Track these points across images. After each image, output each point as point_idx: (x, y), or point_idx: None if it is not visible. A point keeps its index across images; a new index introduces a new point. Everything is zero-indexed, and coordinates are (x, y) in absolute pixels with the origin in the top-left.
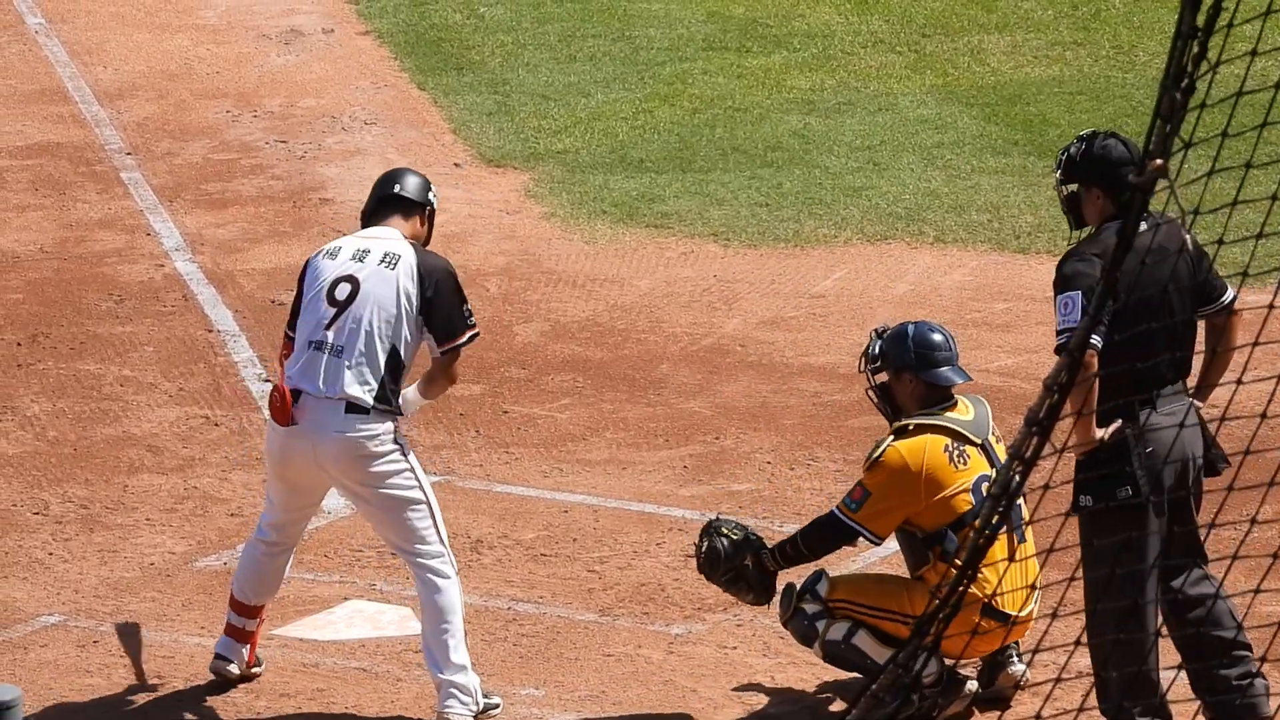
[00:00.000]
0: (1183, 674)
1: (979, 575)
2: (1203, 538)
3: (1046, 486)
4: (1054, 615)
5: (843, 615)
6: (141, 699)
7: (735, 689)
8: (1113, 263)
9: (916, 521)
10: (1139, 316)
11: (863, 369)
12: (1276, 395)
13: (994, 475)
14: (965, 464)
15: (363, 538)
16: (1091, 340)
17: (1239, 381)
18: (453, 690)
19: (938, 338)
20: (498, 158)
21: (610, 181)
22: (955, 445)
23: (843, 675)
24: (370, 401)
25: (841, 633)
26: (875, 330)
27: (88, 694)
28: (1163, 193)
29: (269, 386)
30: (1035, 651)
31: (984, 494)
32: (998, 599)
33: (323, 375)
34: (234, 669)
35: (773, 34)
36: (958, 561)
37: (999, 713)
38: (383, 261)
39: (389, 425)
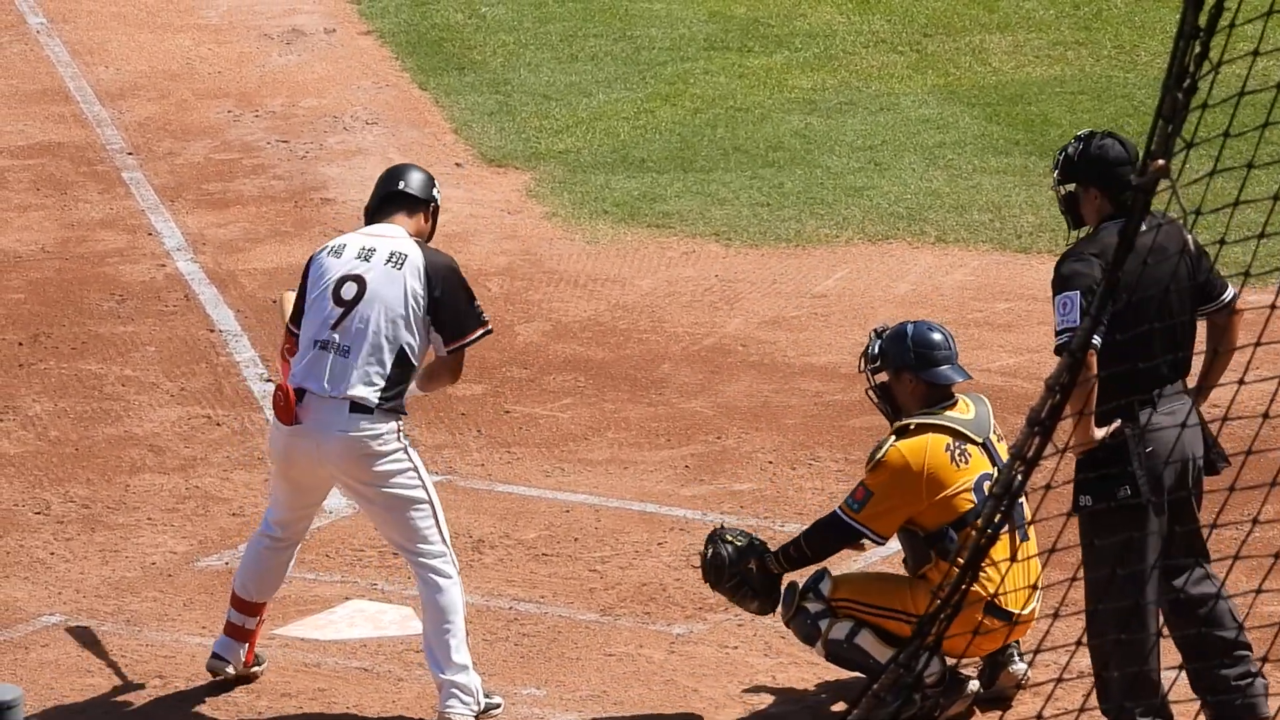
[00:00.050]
0: (1183, 674)
1: (982, 574)
2: (1205, 537)
3: (1048, 486)
4: (1055, 615)
5: (846, 614)
6: (143, 699)
7: (737, 689)
8: (1114, 263)
9: (918, 521)
10: (1139, 317)
11: (862, 369)
12: (1278, 396)
13: (995, 474)
14: (967, 463)
15: (364, 537)
16: (1092, 341)
17: (1241, 381)
18: (454, 690)
19: (937, 337)
20: (499, 157)
21: (612, 181)
22: (956, 444)
23: (844, 675)
24: (375, 401)
25: (844, 632)
26: (874, 330)
27: (89, 694)
28: (1165, 193)
29: (271, 386)
30: (1037, 651)
31: (986, 493)
32: (1001, 597)
33: (328, 375)
34: (231, 669)
35: (774, 34)
36: (960, 560)
37: (1000, 713)
38: (389, 261)
39: (393, 424)
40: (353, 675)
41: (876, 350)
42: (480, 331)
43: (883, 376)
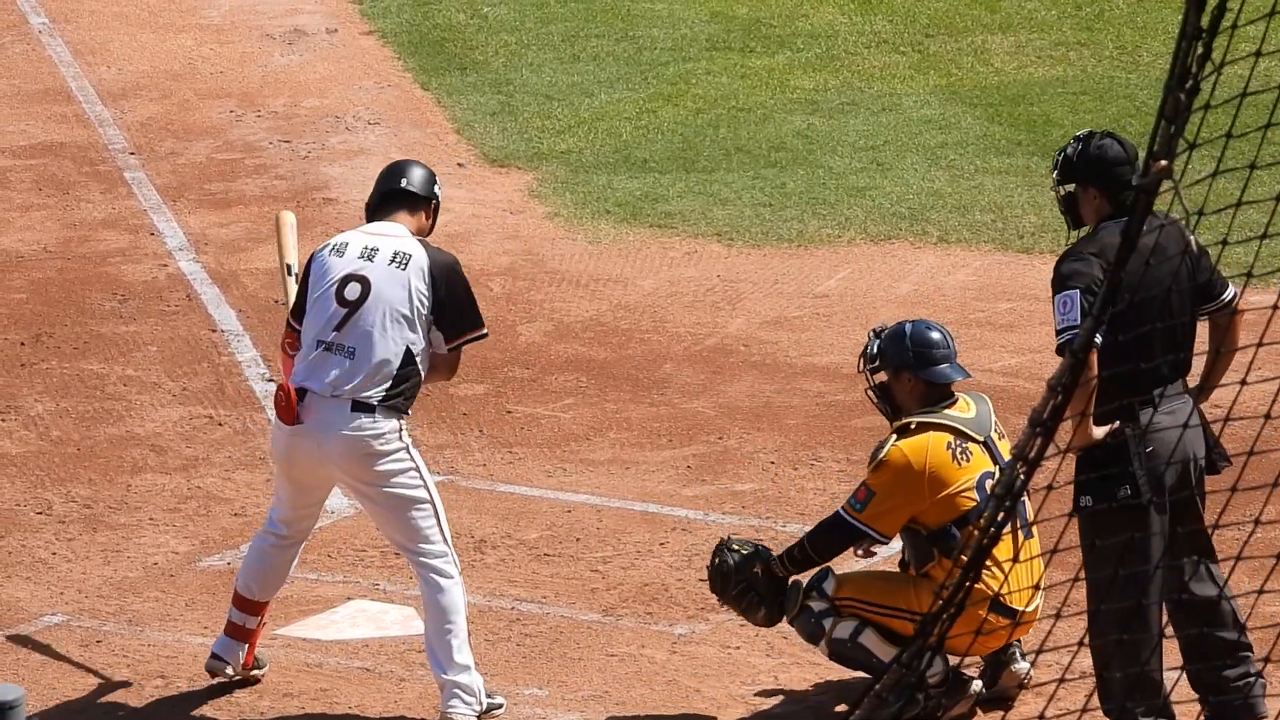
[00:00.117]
0: (1183, 673)
1: (986, 571)
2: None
3: (1050, 487)
4: (1058, 615)
5: (849, 613)
6: (145, 699)
7: (739, 689)
8: (1116, 263)
9: (921, 519)
10: (1141, 317)
11: (861, 369)
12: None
13: (997, 472)
14: (968, 461)
15: (366, 538)
16: (1094, 340)
17: (1243, 382)
18: (456, 690)
19: (935, 336)
20: (501, 158)
21: (614, 181)
22: (958, 442)
23: (846, 675)
24: (377, 400)
25: (848, 631)
26: (873, 330)
27: (91, 694)
28: (1167, 194)
29: (273, 386)
30: (1039, 651)
31: (988, 491)
32: (1005, 595)
33: (331, 375)
34: (230, 670)
35: (776, 34)
36: (963, 559)
37: (1003, 713)
38: (393, 261)
39: (395, 424)
40: (355, 675)
41: (875, 350)
42: (480, 331)
43: (882, 376)
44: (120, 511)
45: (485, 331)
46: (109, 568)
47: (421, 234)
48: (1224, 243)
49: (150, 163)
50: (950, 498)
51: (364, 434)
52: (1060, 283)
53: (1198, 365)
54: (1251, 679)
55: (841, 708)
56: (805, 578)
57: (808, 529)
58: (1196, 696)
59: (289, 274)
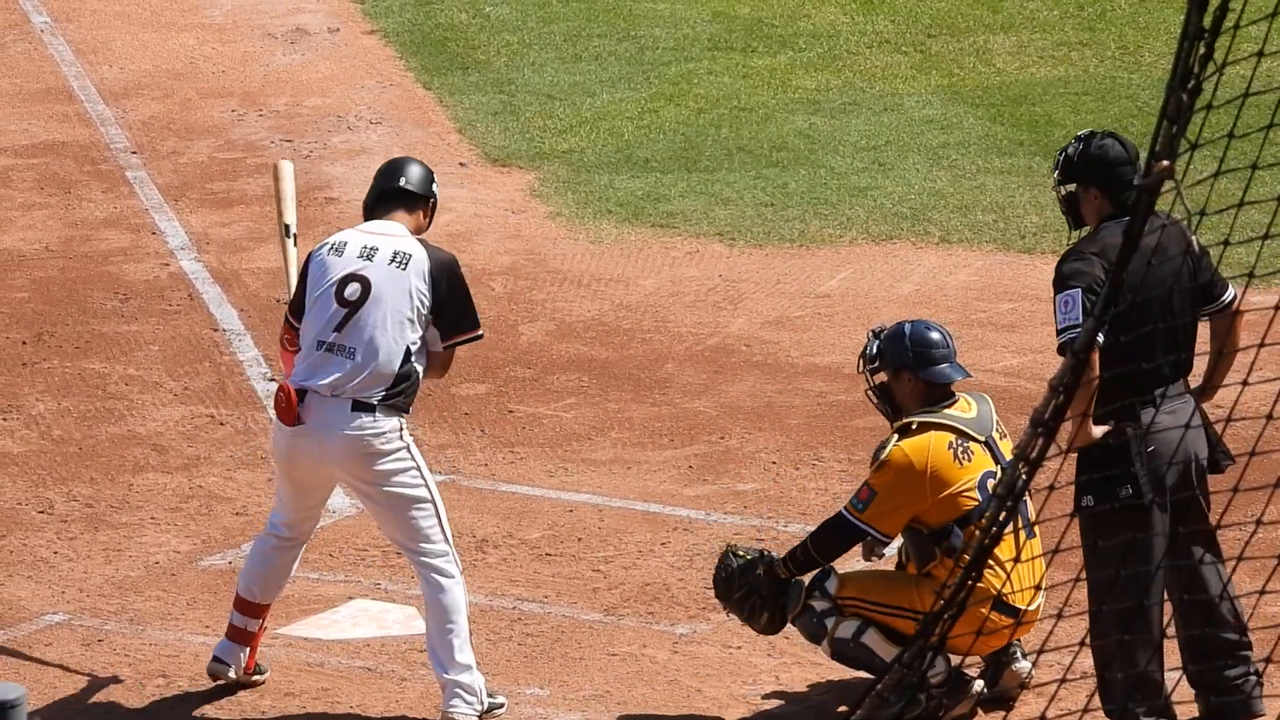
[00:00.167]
0: (1184, 673)
1: (989, 570)
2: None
3: (1051, 487)
4: (1059, 616)
5: (852, 613)
6: (146, 698)
7: (740, 689)
8: (1118, 263)
9: (923, 518)
10: (1143, 317)
11: (861, 370)
12: None
13: (999, 472)
14: (970, 460)
15: (368, 537)
16: (1095, 340)
17: (1245, 383)
18: (457, 690)
19: (935, 336)
20: (503, 157)
21: (615, 181)
22: (959, 442)
23: (847, 675)
24: (377, 399)
25: (850, 631)
26: (872, 330)
27: (92, 693)
28: (1169, 194)
29: (274, 385)
30: (1040, 652)
31: (989, 490)
32: (1008, 595)
33: (332, 376)
34: (231, 672)
35: (778, 34)
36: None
37: (1004, 713)
38: (393, 261)
39: (395, 422)
40: (356, 675)
41: (875, 351)
42: (476, 333)
43: (882, 377)
44: (122, 510)
45: (481, 333)
46: (110, 567)
47: (419, 232)
48: (1226, 243)
49: (152, 162)
50: (952, 497)
51: (365, 433)
52: (1062, 282)
53: (1200, 365)
54: (1251, 678)
55: (843, 708)
56: (808, 577)
57: (810, 529)
58: (1196, 696)
59: (288, 235)
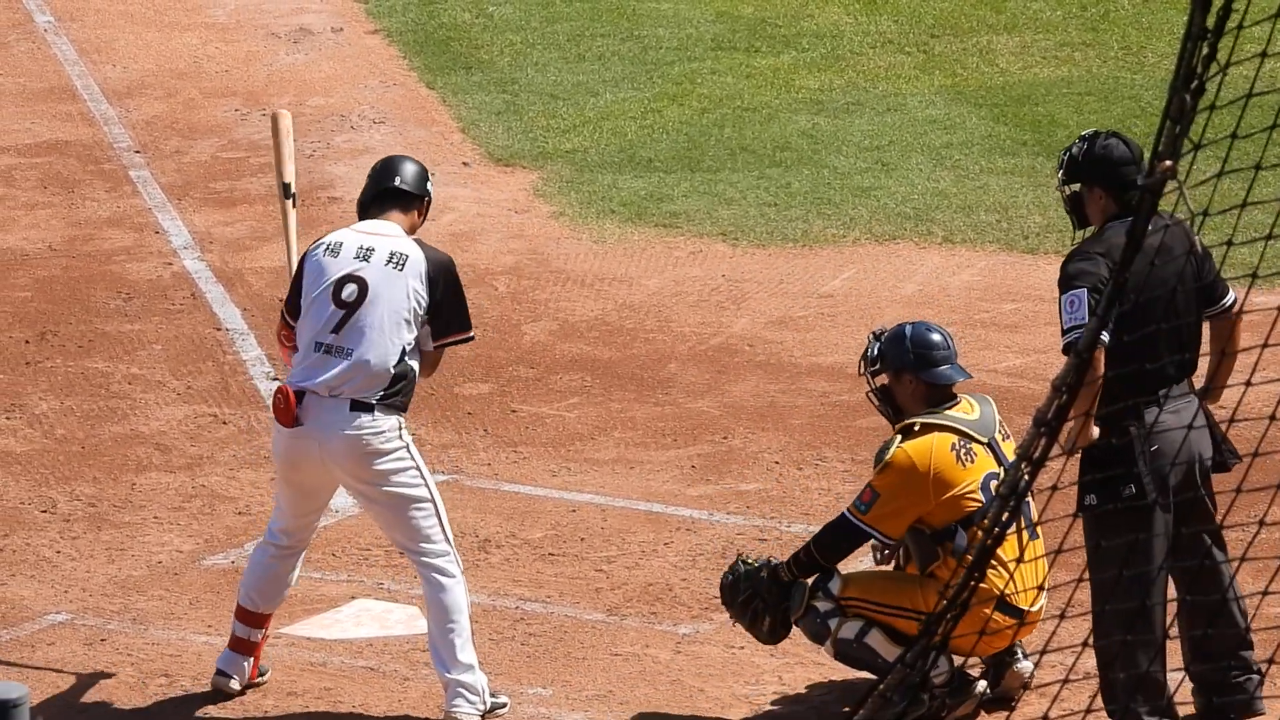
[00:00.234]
0: (1186, 673)
1: (992, 570)
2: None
3: (1054, 488)
4: (1061, 616)
5: (855, 613)
6: (148, 697)
7: (743, 689)
8: (1122, 263)
9: (926, 520)
10: (1146, 317)
11: (862, 372)
12: None
13: (1001, 474)
14: (972, 462)
15: (370, 537)
16: (1099, 339)
17: (1248, 383)
18: (460, 689)
19: (935, 337)
20: (506, 157)
21: (619, 181)
22: (962, 443)
23: (850, 675)
24: (375, 399)
25: (853, 631)
26: (873, 332)
27: (94, 692)
28: (1172, 194)
29: (276, 385)
30: (1043, 652)
31: (992, 492)
32: (1011, 595)
33: (330, 377)
34: (235, 684)
35: (781, 34)
36: (968, 558)
37: (1006, 713)
38: (390, 262)
39: (394, 421)
40: (359, 674)
41: (876, 352)
42: (467, 334)
43: (883, 379)
44: (124, 510)
45: (472, 334)
46: (113, 566)
47: (414, 231)
48: (1229, 243)
49: (155, 161)
50: (955, 499)
51: (364, 433)
52: (1067, 282)
53: (1203, 366)
54: (1253, 678)
55: (846, 708)
56: (811, 579)
57: (813, 530)
58: (1196, 695)
59: (287, 196)
